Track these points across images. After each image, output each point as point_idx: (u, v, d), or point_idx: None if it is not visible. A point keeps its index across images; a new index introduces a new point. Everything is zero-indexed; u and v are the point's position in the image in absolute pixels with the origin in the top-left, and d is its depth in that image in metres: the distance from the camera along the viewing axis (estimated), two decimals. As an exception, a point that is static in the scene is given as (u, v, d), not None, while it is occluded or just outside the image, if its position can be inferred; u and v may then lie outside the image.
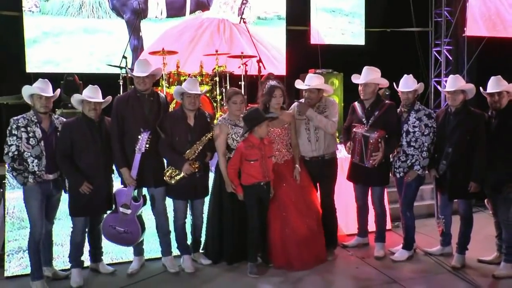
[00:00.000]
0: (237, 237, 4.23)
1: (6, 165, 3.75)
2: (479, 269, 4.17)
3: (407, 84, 4.30)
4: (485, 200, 4.40)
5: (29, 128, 3.70)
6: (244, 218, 4.14)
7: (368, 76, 4.31)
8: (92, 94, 3.87)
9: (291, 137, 4.31)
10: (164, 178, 4.05)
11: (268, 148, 4.06)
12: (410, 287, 3.84)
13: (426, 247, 4.60)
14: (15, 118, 3.73)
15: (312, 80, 4.32)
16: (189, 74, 6.05)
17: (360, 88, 4.37)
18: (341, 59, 7.48)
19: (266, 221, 4.16)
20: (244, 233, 4.14)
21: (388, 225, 4.96)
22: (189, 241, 4.34)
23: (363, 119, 4.34)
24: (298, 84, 4.40)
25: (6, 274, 4.09)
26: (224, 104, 4.40)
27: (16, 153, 3.67)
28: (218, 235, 4.31)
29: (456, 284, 3.93)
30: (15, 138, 3.67)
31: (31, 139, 3.70)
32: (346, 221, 4.90)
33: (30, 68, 6.96)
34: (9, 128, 3.70)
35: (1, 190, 4.45)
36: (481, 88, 4.11)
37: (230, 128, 4.16)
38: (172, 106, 5.45)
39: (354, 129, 4.31)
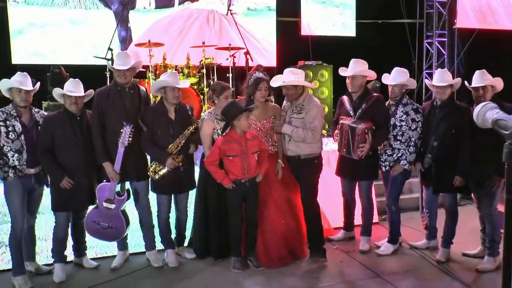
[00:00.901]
0: (223, 232, 4.17)
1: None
2: (463, 263, 4.17)
3: (394, 77, 4.26)
4: (472, 194, 4.39)
5: (8, 122, 3.64)
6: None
7: (356, 69, 4.26)
8: (73, 88, 3.80)
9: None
10: (148, 173, 4.00)
11: (250, 144, 3.89)
12: (393, 281, 3.83)
13: (413, 240, 4.60)
14: (-7, 112, 3.67)
15: (287, 76, 4.09)
16: (176, 66, 5.97)
17: (347, 81, 4.31)
18: (332, 51, 7.41)
19: (255, 220, 4.04)
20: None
21: (375, 218, 4.95)
22: (173, 235, 4.31)
23: (351, 112, 4.30)
24: (273, 82, 4.15)
25: (-11, 269, 4.06)
26: (211, 99, 4.27)
27: (-5, 147, 3.62)
28: (204, 230, 4.26)
29: (440, 278, 3.93)
30: (-7, 132, 3.61)
31: (10, 133, 3.64)
32: (332, 214, 4.86)
33: (16, 59, 6.84)
34: (-14, 122, 3.64)
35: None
36: (466, 82, 4.08)
37: (216, 123, 4.09)
38: (158, 99, 5.37)
39: (341, 121, 4.27)
